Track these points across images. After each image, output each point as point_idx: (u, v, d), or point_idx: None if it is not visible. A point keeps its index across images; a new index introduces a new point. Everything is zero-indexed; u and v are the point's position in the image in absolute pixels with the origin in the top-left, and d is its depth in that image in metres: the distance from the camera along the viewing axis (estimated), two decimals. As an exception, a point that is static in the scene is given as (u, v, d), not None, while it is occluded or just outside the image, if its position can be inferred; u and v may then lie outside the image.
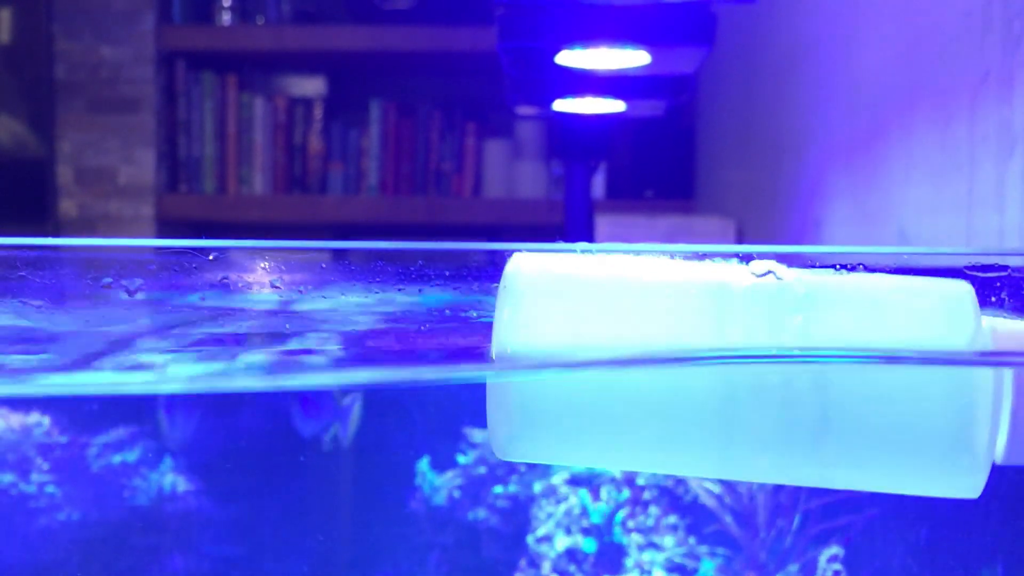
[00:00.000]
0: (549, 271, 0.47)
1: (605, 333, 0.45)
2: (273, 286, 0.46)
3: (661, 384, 0.45)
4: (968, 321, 0.45)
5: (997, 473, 0.45)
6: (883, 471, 0.46)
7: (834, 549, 0.92)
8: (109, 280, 0.45)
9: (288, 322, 0.50)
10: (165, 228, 2.82)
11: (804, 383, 0.44)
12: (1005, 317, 0.47)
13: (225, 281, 0.47)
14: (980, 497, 0.46)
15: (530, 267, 0.46)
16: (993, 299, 0.46)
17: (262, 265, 0.47)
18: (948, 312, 0.45)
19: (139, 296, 0.47)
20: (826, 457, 0.45)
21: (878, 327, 0.45)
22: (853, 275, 0.46)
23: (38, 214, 2.77)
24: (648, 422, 0.46)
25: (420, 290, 0.49)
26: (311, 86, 2.95)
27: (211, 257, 0.46)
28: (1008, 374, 0.45)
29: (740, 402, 0.45)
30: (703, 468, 0.49)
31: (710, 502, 0.99)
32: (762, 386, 0.45)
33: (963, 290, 0.46)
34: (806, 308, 0.45)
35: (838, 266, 0.46)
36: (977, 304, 0.46)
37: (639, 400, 0.45)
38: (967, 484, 0.45)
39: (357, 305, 0.50)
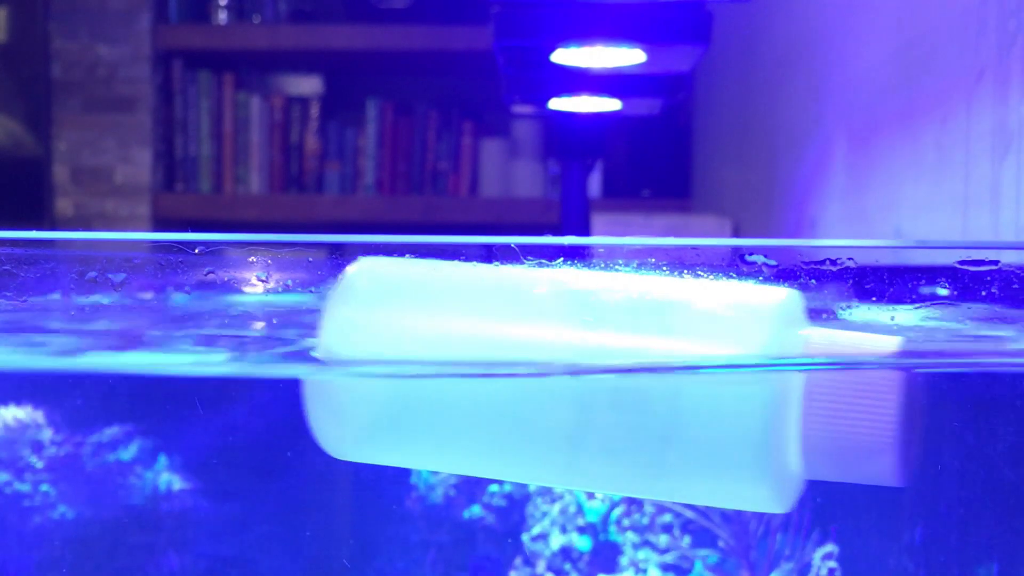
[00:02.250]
0: (388, 275, 0.48)
1: (431, 335, 0.46)
2: (259, 280, 0.46)
3: (481, 389, 0.45)
4: (759, 329, 0.44)
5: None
6: (682, 482, 0.45)
7: (829, 547, 0.92)
8: (94, 274, 0.45)
9: (273, 316, 0.50)
10: (161, 227, 2.81)
11: (599, 394, 0.44)
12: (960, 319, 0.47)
13: (211, 276, 0.46)
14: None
15: (367, 270, 0.48)
16: (983, 293, 0.46)
17: (250, 259, 0.47)
18: (739, 320, 0.44)
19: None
20: (616, 467, 0.45)
21: (665, 333, 0.45)
22: (665, 280, 0.46)
23: (34, 213, 2.76)
24: (471, 427, 0.46)
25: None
26: (307, 85, 2.95)
27: (196, 251, 0.46)
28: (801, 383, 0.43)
29: (536, 407, 0.45)
30: (529, 474, 0.49)
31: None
32: (560, 394, 0.45)
33: (771, 297, 0.45)
34: (599, 312, 0.45)
35: (828, 261, 0.46)
36: (795, 312, 0.45)
37: (463, 404, 0.46)
38: (761, 496, 0.44)
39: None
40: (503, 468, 0.49)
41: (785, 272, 0.46)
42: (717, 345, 0.44)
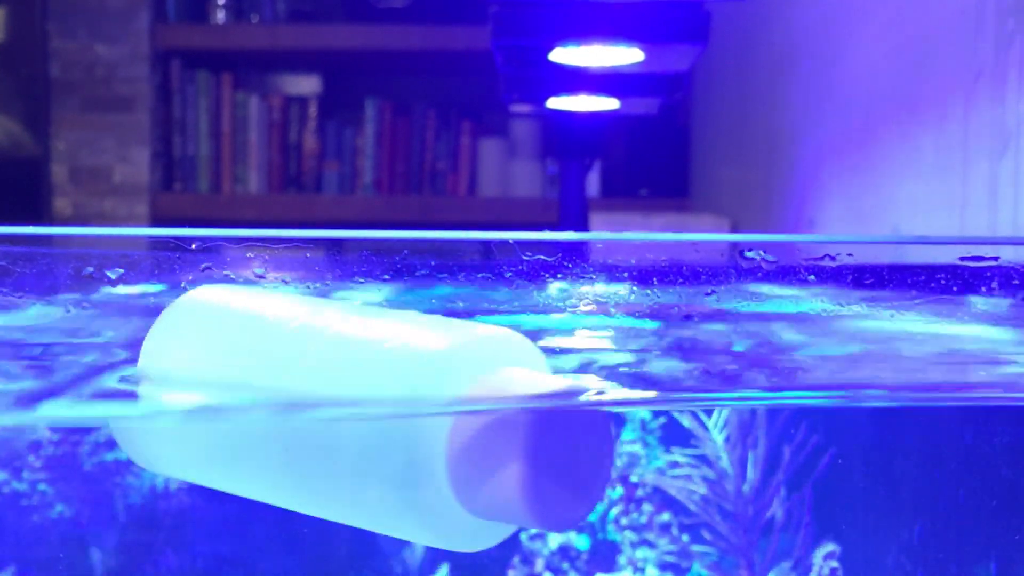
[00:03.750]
0: (207, 305, 0.50)
1: (213, 373, 0.49)
2: (257, 276, 0.46)
3: (233, 426, 0.49)
4: (418, 373, 0.44)
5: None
6: (371, 516, 0.47)
7: (830, 547, 0.92)
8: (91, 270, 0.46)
9: None
10: (160, 227, 2.81)
11: (296, 434, 0.47)
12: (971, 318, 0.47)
13: (208, 270, 0.47)
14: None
15: (193, 299, 0.50)
16: (983, 289, 0.46)
17: (247, 255, 0.47)
18: (407, 364, 0.45)
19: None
20: (320, 498, 0.48)
21: (348, 373, 0.46)
22: (371, 320, 0.47)
23: (33, 213, 2.76)
24: (224, 455, 0.50)
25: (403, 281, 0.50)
26: (306, 85, 2.95)
27: (193, 247, 0.46)
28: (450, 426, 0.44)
29: (262, 443, 0.48)
30: (269, 498, 0.52)
31: (702, 500, 0.99)
32: (272, 431, 0.48)
33: (437, 342, 0.45)
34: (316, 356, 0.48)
35: (827, 256, 0.46)
36: (482, 354, 0.45)
37: (220, 435, 0.49)
38: (428, 534, 0.46)
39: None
40: (252, 493, 0.52)
41: (784, 269, 0.45)
42: (389, 386, 0.45)
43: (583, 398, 0.46)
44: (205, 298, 0.50)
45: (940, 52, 1.08)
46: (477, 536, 0.46)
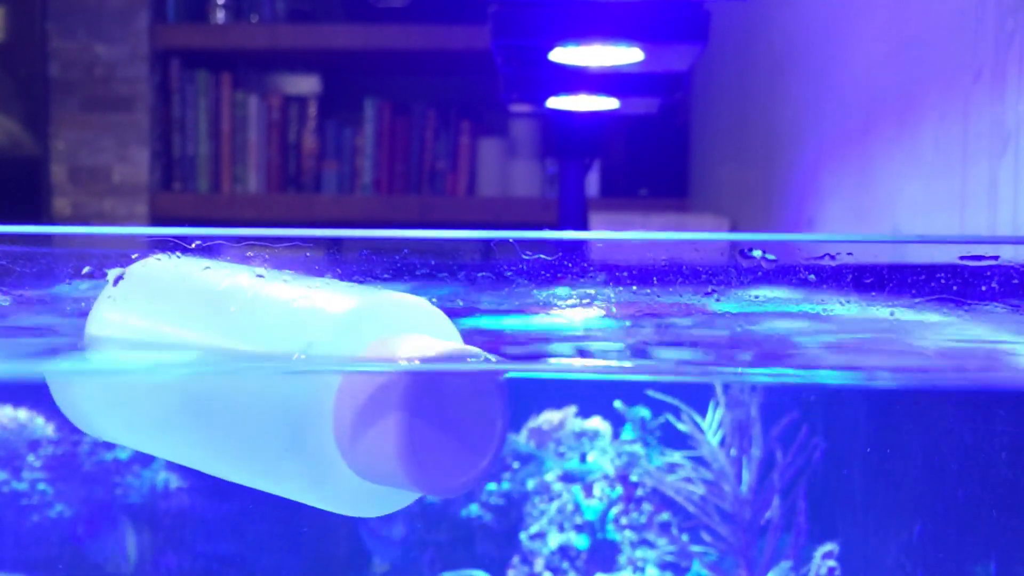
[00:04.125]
0: (146, 276, 0.51)
1: (154, 333, 0.50)
2: (257, 276, 0.46)
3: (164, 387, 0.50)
4: (317, 332, 0.44)
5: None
6: (269, 476, 0.47)
7: (829, 546, 0.92)
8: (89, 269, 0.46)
9: None
10: (159, 227, 2.81)
11: (199, 393, 0.47)
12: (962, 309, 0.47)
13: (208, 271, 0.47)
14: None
15: (135, 269, 0.51)
16: (983, 288, 0.46)
17: (247, 254, 0.47)
18: (309, 323, 0.45)
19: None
20: (220, 454, 0.48)
21: (250, 333, 0.47)
22: (280, 285, 0.47)
23: (32, 213, 2.76)
24: (153, 416, 0.51)
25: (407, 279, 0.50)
26: (305, 85, 2.95)
27: (193, 245, 0.46)
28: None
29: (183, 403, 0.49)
30: (189, 460, 0.52)
31: (701, 500, 0.99)
32: (183, 390, 0.48)
33: (341, 304, 0.45)
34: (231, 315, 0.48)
35: (827, 256, 0.46)
36: (379, 318, 0.45)
37: (150, 396, 0.50)
38: (327, 499, 0.46)
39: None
40: (173, 455, 0.53)
41: (785, 268, 0.45)
42: (289, 344, 0.45)
43: (471, 364, 0.45)
44: (147, 268, 0.51)
45: (940, 51, 1.08)
46: (370, 501, 0.46)
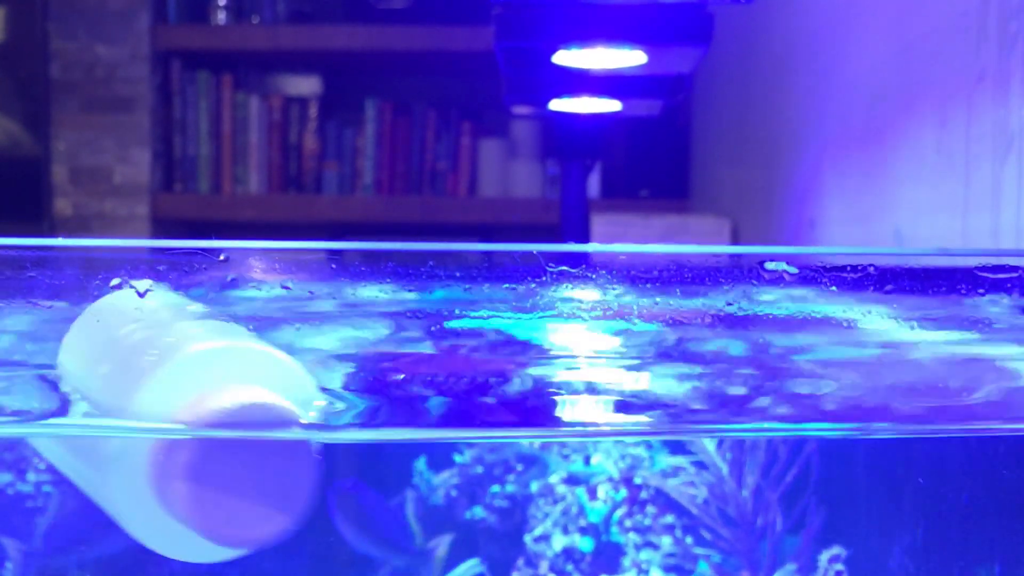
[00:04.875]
0: (105, 313, 0.52)
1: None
2: (283, 287, 0.47)
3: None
4: (155, 387, 0.46)
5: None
6: (124, 519, 0.49)
7: (836, 549, 0.92)
8: (119, 280, 0.47)
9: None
10: (160, 227, 2.81)
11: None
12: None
13: (234, 281, 0.47)
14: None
15: (101, 305, 0.52)
16: (1005, 300, 0.46)
17: (275, 266, 0.47)
18: (151, 378, 0.46)
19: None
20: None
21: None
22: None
23: (33, 213, 2.76)
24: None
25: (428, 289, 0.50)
26: (306, 85, 2.95)
27: (222, 258, 0.46)
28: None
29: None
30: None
31: (704, 503, 0.99)
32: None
33: (172, 357, 0.47)
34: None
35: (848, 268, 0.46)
36: (197, 372, 0.46)
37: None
38: (164, 544, 0.47)
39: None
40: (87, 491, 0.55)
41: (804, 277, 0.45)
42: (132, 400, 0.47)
43: (275, 432, 0.46)
44: (108, 305, 0.52)
45: (943, 54, 1.08)
46: (205, 547, 0.47)
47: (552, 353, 0.54)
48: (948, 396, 0.49)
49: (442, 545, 1.03)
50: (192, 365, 0.46)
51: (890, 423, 0.49)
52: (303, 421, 0.46)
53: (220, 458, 0.45)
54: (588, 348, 0.54)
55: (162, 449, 0.45)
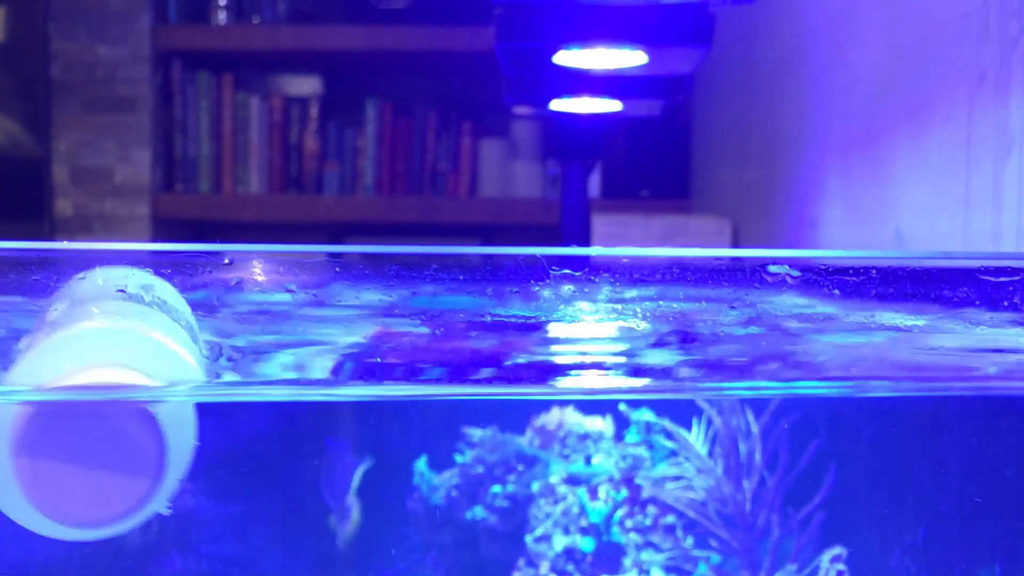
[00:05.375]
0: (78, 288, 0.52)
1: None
2: (288, 290, 0.47)
3: None
4: (38, 360, 0.46)
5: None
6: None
7: (837, 550, 0.92)
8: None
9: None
10: (161, 228, 2.81)
11: None
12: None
13: (240, 284, 0.47)
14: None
15: (87, 280, 0.52)
16: (1006, 303, 0.46)
17: (279, 269, 0.47)
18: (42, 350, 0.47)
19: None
20: None
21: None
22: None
23: (34, 213, 2.76)
24: None
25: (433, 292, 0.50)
26: (307, 86, 2.95)
27: (227, 261, 0.46)
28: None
29: None
30: None
31: (704, 503, 0.99)
32: None
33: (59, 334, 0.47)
34: None
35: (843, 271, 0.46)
36: (70, 349, 0.46)
37: None
38: (30, 520, 0.47)
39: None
40: None
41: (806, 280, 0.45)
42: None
43: (128, 395, 0.46)
44: (92, 278, 0.52)
45: (944, 54, 1.08)
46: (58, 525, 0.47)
47: (548, 338, 0.54)
48: (952, 367, 0.50)
49: (355, 508, 1.04)
50: (67, 344, 0.46)
51: (888, 380, 0.49)
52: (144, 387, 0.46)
53: (65, 436, 0.45)
54: (587, 336, 0.54)
55: (17, 422, 0.45)
